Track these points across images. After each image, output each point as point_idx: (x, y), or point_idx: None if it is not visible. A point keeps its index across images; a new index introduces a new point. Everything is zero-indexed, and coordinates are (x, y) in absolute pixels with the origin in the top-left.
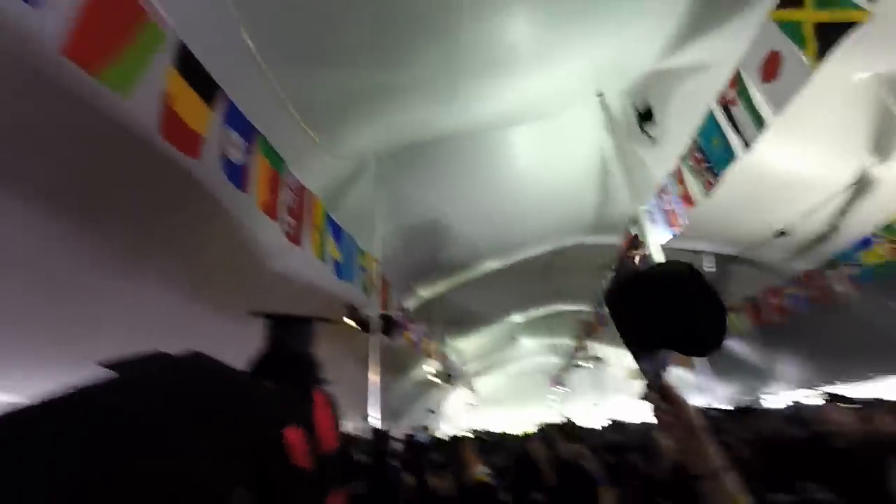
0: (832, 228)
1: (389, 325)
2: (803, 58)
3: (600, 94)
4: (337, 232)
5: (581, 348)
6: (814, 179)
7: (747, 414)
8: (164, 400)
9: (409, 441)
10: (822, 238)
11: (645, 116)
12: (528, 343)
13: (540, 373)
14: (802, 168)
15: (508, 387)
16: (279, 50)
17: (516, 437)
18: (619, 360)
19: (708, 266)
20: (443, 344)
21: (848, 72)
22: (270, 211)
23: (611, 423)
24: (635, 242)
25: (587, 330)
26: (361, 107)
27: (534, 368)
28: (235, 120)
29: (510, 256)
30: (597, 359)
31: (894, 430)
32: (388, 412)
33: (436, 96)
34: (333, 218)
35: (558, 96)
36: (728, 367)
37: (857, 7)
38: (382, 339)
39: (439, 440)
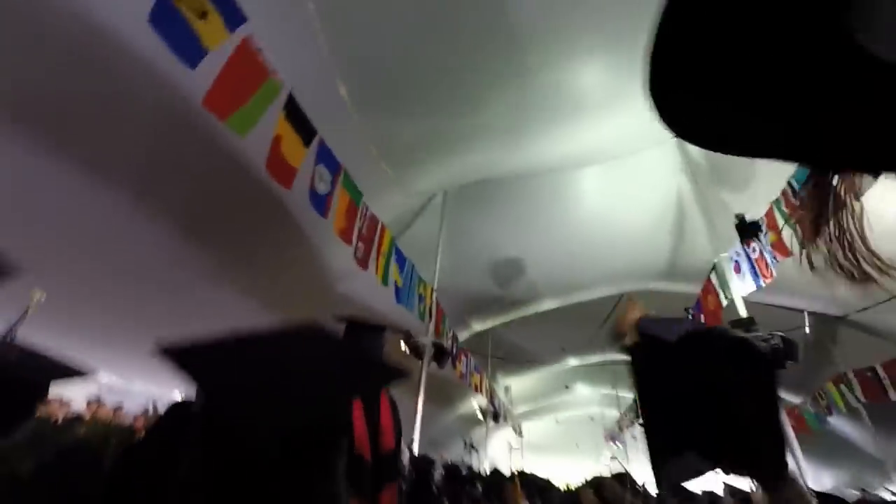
0: None
1: (441, 354)
2: None
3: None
4: (401, 259)
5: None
6: None
7: None
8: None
9: (452, 471)
10: None
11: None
12: (583, 391)
13: (594, 424)
14: None
15: (557, 434)
16: (367, 98)
17: (567, 487)
18: None
19: (804, 328)
20: (492, 380)
21: None
22: (346, 236)
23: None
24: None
25: None
26: (435, 149)
27: (588, 419)
28: (325, 157)
29: (571, 297)
30: None
31: None
32: (428, 442)
33: (504, 139)
34: (399, 247)
35: (630, 138)
36: (833, 452)
37: None
38: (432, 367)
39: (481, 476)
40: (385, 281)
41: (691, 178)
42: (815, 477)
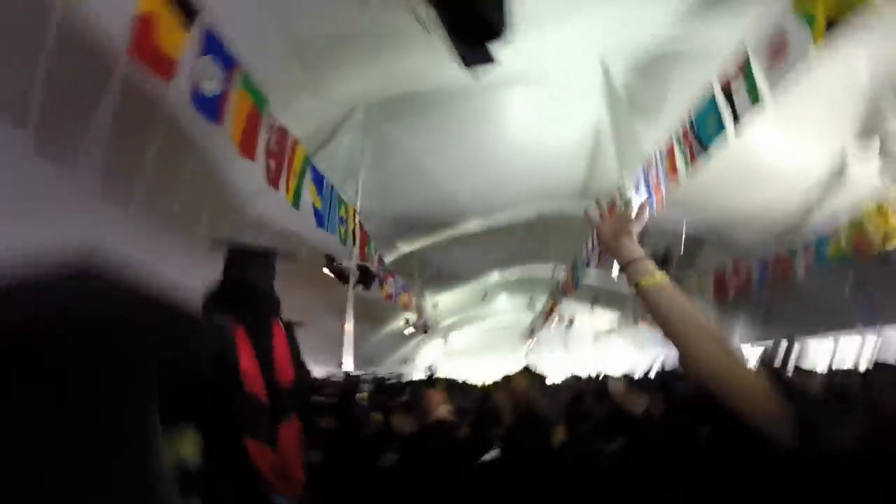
0: (804, 216)
1: (366, 277)
2: (810, 43)
3: (602, 62)
4: (318, 179)
5: (554, 308)
6: (795, 165)
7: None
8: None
9: (380, 384)
10: (793, 230)
11: (665, 260)
12: (503, 300)
13: (512, 329)
14: (786, 153)
15: (482, 341)
16: None
17: (484, 385)
18: (591, 320)
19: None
20: (420, 297)
21: (844, 58)
22: (247, 150)
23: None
24: None
25: (561, 290)
26: (356, 49)
27: (507, 325)
28: (214, 47)
29: (493, 217)
30: (569, 320)
31: None
32: (363, 360)
33: (431, 46)
34: (315, 165)
35: (559, 58)
36: None
37: None
38: (359, 289)
39: (410, 383)
40: (296, 203)
41: (610, 108)
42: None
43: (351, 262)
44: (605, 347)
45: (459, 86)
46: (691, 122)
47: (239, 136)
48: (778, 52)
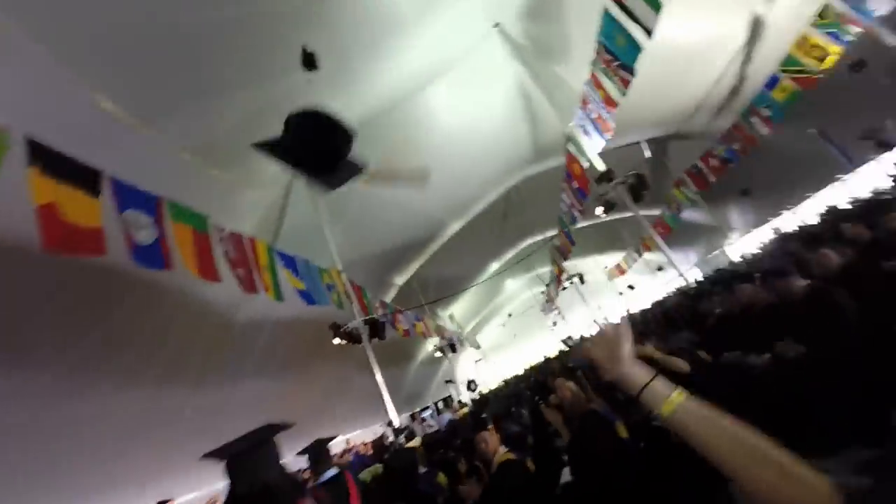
0: (742, 79)
1: (376, 328)
2: None
3: (497, 25)
4: (290, 262)
5: (560, 271)
6: (715, 41)
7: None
8: None
9: (430, 441)
10: (735, 91)
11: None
12: (512, 284)
13: (531, 307)
14: (702, 35)
15: (509, 330)
16: (145, 101)
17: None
18: (597, 265)
19: (645, 153)
20: (436, 318)
21: None
22: (209, 274)
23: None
24: None
25: (560, 253)
26: (262, 126)
27: (525, 304)
28: (131, 197)
29: (469, 212)
30: (578, 276)
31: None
32: (409, 398)
33: (336, 84)
34: (280, 251)
35: (459, 39)
36: (689, 235)
37: None
38: (376, 341)
39: (456, 427)
40: (279, 296)
41: (523, 62)
42: (682, 258)
43: (357, 321)
44: (622, 287)
45: (380, 107)
46: (605, 47)
47: (195, 264)
48: None
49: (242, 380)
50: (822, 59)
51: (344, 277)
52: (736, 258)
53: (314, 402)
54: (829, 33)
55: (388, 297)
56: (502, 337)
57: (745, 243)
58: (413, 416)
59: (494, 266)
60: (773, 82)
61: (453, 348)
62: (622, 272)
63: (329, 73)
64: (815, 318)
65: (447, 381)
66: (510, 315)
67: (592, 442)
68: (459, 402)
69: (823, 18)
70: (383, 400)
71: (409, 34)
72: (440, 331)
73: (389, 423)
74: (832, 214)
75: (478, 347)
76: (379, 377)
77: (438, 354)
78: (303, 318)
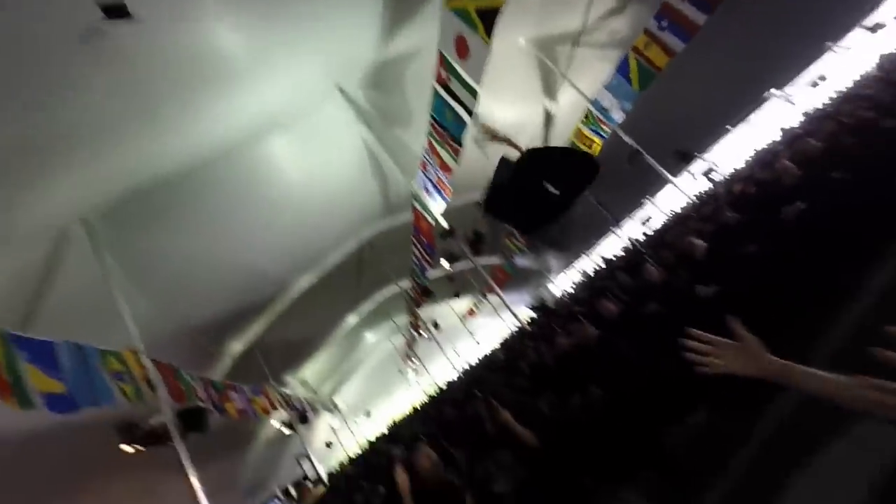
0: None
1: (195, 417)
2: (479, 37)
3: (340, 88)
4: (41, 352)
5: (416, 321)
6: (522, 124)
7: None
8: None
9: None
10: None
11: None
12: (370, 337)
13: (392, 358)
14: (512, 118)
15: (370, 385)
16: None
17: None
18: (451, 310)
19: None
20: (282, 386)
21: (513, 40)
22: None
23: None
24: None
25: (414, 303)
26: (31, 170)
27: (385, 356)
28: None
29: (319, 266)
30: (434, 324)
31: None
32: (246, 494)
33: (133, 130)
34: (27, 338)
35: (298, 97)
36: (522, 279)
37: None
38: (197, 436)
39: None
40: (27, 403)
41: (367, 125)
42: (515, 301)
43: (164, 414)
44: (473, 328)
45: (198, 160)
46: (437, 120)
47: None
48: (462, 48)
49: None
50: (590, 147)
51: (144, 359)
52: (558, 294)
53: None
54: (592, 129)
55: (218, 372)
56: (365, 391)
57: (561, 283)
58: None
59: (352, 319)
60: None
61: (305, 419)
62: (473, 314)
63: (146, 109)
64: (604, 363)
65: (299, 459)
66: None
67: None
68: (314, 481)
69: (588, 119)
70: None
71: (243, 84)
72: (289, 402)
73: None
74: (607, 264)
75: (336, 411)
76: (195, 482)
77: (289, 432)
78: (76, 421)
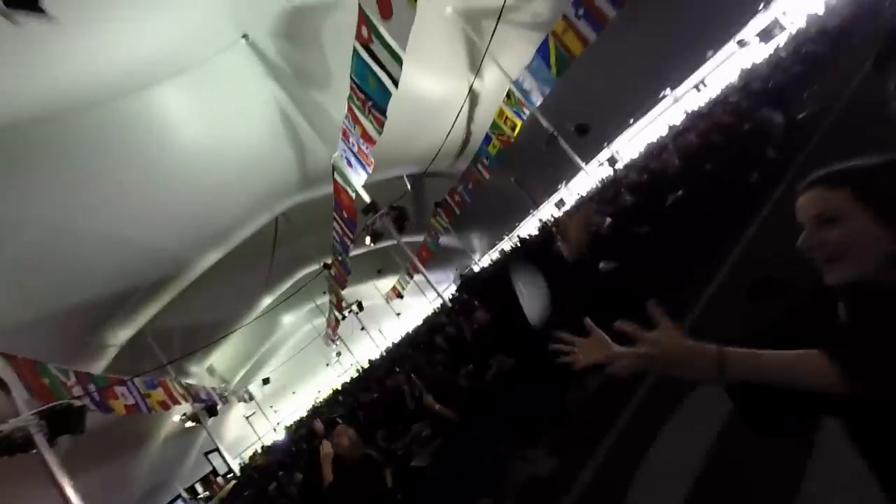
0: (469, 134)
1: (67, 420)
2: None
3: (245, 36)
4: None
5: (339, 300)
6: (446, 100)
7: None
8: None
9: None
10: (465, 142)
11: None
12: (289, 318)
13: (313, 339)
14: (435, 93)
15: (291, 367)
16: None
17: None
18: (375, 290)
19: (408, 186)
20: (185, 376)
21: (440, 8)
22: None
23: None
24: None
25: (337, 281)
26: None
27: (306, 337)
28: None
29: (228, 242)
30: (357, 304)
31: None
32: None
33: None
34: None
35: (199, 41)
36: (446, 259)
37: None
38: (69, 439)
39: None
40: None
41: (279, 83)
42: (439, 278)
43: (21, 418)
44: (400, 307)
45: (78, 100)
46: (358, 85)
47: None
48: (385, 7)
49: None
50: (513, 129)
51: None
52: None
53: None
54: (514, 110)
55: (101, 365)
56: (286, 375)
57: (484, 261)
58: None
59: (267, 301)
60: (487, 140)
61: (213, 411)
62: (398, 294)
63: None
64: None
65: (207, 453)
66: (266, 381)
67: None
68: (224, 475)
69: (510, 99)
70: None
71: (130, 14)
72: (190, 391)
73: None
74: (523, 243)
75: (250, 399)
76: (69, 489)
77: (190, 425)
78: None
